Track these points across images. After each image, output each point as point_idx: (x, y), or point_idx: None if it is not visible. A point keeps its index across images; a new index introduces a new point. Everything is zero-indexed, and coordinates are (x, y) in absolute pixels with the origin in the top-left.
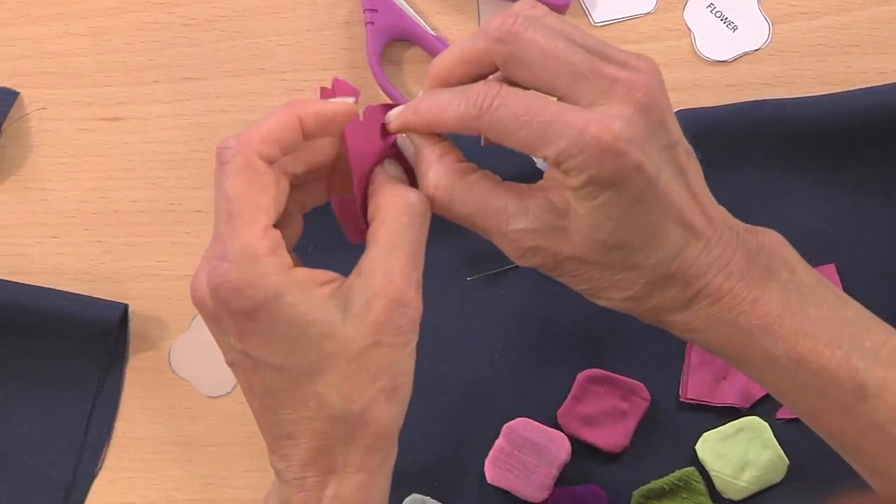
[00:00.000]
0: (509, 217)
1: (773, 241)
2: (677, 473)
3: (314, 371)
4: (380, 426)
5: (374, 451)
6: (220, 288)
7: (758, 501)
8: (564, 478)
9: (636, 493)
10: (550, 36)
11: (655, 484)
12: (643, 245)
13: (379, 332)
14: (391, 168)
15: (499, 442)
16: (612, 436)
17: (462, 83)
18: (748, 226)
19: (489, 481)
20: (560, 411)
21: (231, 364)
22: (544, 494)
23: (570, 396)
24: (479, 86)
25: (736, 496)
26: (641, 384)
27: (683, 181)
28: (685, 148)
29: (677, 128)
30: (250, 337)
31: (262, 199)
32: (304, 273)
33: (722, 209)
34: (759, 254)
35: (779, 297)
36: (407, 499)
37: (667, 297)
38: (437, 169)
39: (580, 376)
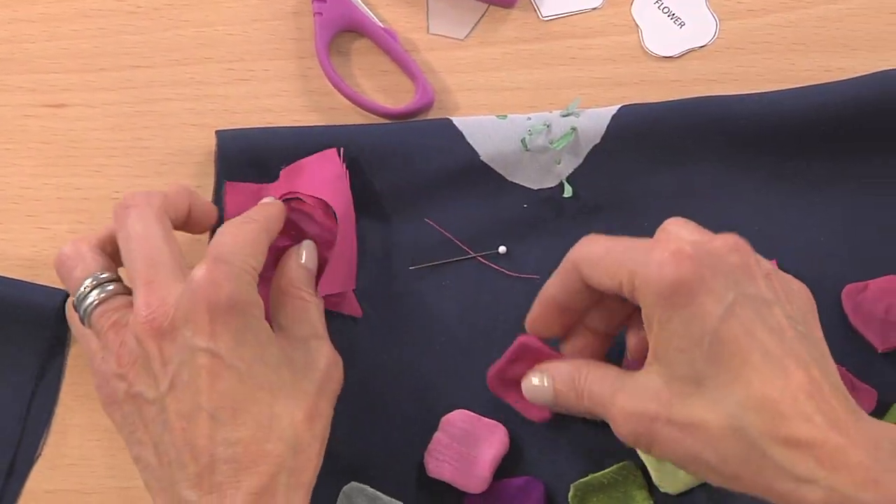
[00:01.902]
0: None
1: (894, 432)
2: (616, 467)
3: (273, 391)
4: (318, 466)
5: (309, 491)
6: (210, 274)
7: (695, 496)
8: (503, 470)
9: (574, 487)
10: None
11: (594, 477)
12: (724, 383)
13: (327, 381)
14: (308, 255)
15: (437, 435)
16: (534, 406)
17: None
18: (876, 420)
19: (428, 474)
20: (490, 372)
21: (178, 372)
22: (483, 486)
23: (504, 358)
24: None
25: (674, 490)
26: None
27: (779, 339)
28: (788, 315)
29: (773, 290)
30: (221, 334)
31: (260, 248)
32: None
33: (853, 404)
34: (882, 440)
35: None
36: (345, 487)
37: (772, 459)
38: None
39: (520, 340)
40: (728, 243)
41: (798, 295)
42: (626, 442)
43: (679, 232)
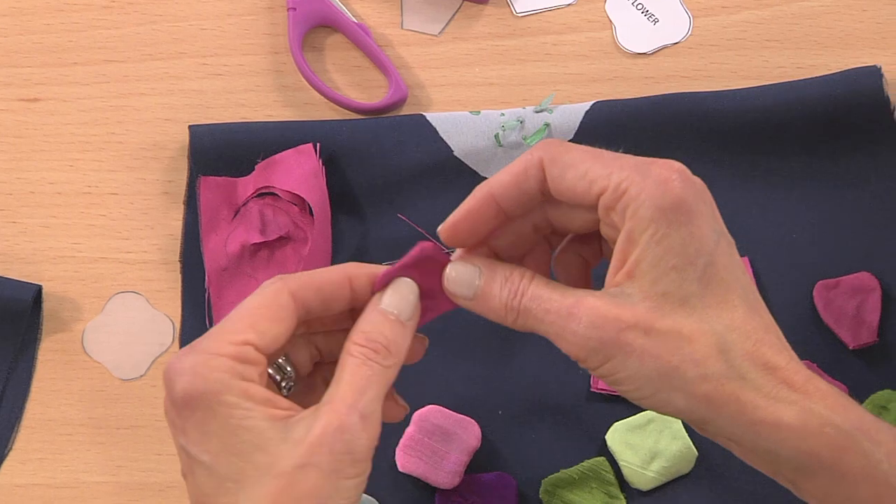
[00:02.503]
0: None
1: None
2: (586, 463)
3: (240, 480)
4: None
5: None
6: (169, 369)
7: (666, 492)
8: (475, 465)
9: (545, 482)
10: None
11: (564, 473)
12: (711, 305)
13: (311, 454)
14: (391, 299)
15: (409, 429)
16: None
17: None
18: None
19: (400, 469)
20: (380, 274)
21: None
22: (455, 481)
23: (398, 264)
24: None
25: (644, 486)
26: None
27: (749, 281)
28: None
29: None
30: (188, 430)
31: (263, 324)
32: (262, 391)
33: None
34: (832, 386)
35: (867, 412)
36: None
37: (750, 382)
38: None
39: (420, 246)
40: (703, 183)
41: None
42: (579, 352)
43: (672, 161)
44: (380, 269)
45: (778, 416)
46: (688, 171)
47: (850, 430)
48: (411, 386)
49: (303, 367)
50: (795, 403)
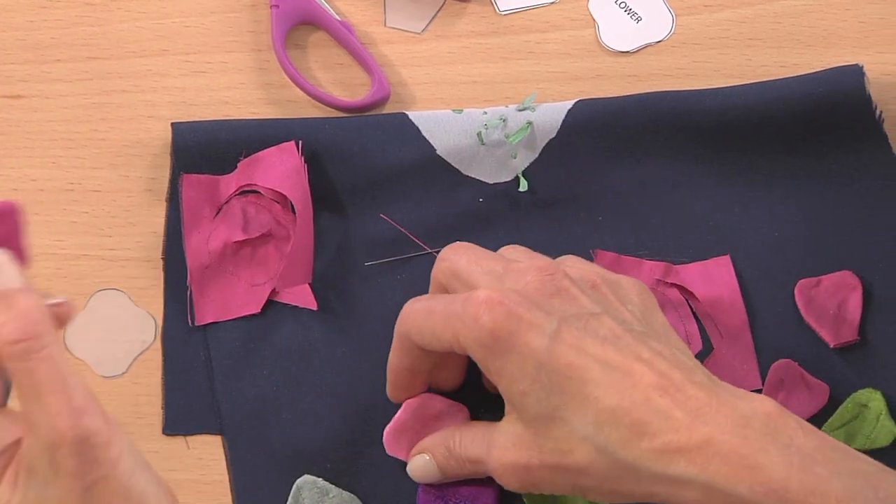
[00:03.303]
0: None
1: (768, 407)
2: None
3: None
4: None
5: None
6: None
7: None
8: None
9: (526, 498)
10: (481, 251)
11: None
12: (574, 408)
13: (81, 479)
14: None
15: (399, 414)
16: None
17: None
18: (742, 391)
19: (388, 452)
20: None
21: None
22: None
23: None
24: None
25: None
26: None
27: (614, 347)
28: (620, 320)
29: (601, 302)
30: None
31: None
32: None
33: (714, 381)
34: (751, 418)
35: (781, 461)
36: (298, 480)
37: (644, 470)
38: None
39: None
40: (539, 274)
41: (632, 293)
42: (514, 490)
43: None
44: None
45: (683, 499)
46: (492, 296)
47: (755, 499)
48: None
49: None
50: (693, 482)
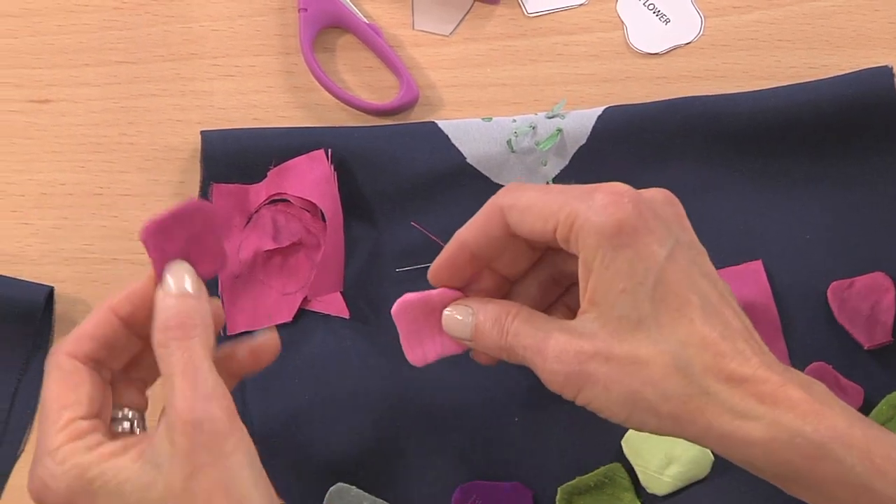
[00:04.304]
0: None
1: (821, 384)
2: (602, 469)
3: None
4: None
5: None
6: (32, 489)
7: (682, 497)
8: (491, 472)
9: (562, 490)
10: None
11: (581, 480)
12: (665, 323)
13: (190, 460)
14: (174, 280)
15: (428, 294)
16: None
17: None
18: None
19: (392, 312)
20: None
21: None
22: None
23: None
24: None
25: (660, 491)
26: None
27: (713, 287)
28: (711, 267)
29: (697, 241)
30: None
31: (69, 396)
32: (110, 446)
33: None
34: (814, 384)
35: (843, 415)
36: (332, 488)
37: (714, 397)
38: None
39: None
40: (663, 194)
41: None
42: (553, 386)
43: (615, 185)
44: (135, 286)
45: (746, 432)
46: (631, 192)
47: (821, 440)
48: (427, 391)
49: (139, 401)
50: (763, 418)
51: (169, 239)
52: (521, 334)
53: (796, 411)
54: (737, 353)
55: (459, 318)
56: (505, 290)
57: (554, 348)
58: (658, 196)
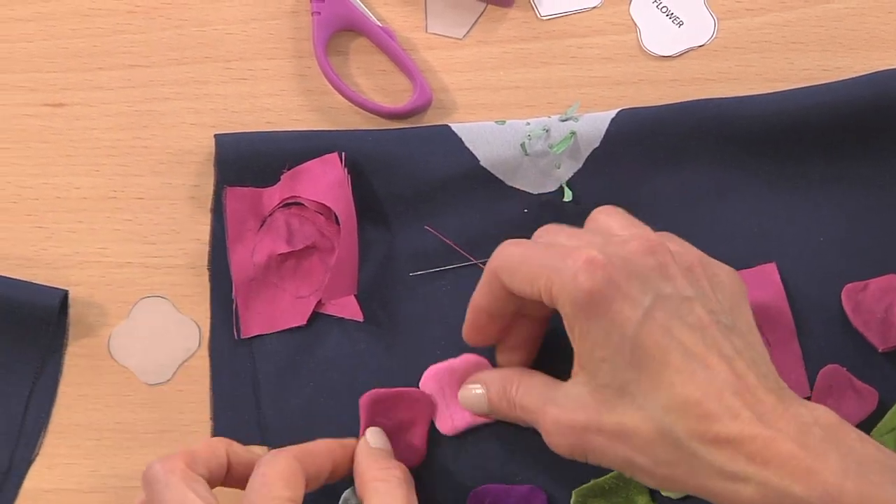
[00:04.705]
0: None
1: (830, 418)
2: (617, 472)
3: None
4: None
5: None
6: None
7: (697, 500)
8: (505, 475)
9: (576, 493)
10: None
11: (595, 483)
12: (647, 389)
13: None
14: (375, 439)
15: (454, 362)
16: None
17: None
18: (807, 402)
19: (420, 385)
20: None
21: None
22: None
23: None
24: None
25: (675, 494)
26: None
27: (700, 337)
28: (710, 310)
29: (695, 285)
30: None
31: (294, 481)
32: None
33: (783, 388)
34: (812, 426)
35: (838, 467)
36: (345, 492)
37: (702, 460)
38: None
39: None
40: (643, 245)
41: (725, 283)
42: (561, 453)
43: (598, 230)
44: (351, 443)
45: (736, 493)
46: (603, 255)
47: (811, 499)
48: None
49: None
50: (752, 478)
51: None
52: (525, 406)
53: (786, 469)
54: (724, 410)
55: (475, 394)
56: (541, 330)
57: (552, 422)
58: (635, 248)
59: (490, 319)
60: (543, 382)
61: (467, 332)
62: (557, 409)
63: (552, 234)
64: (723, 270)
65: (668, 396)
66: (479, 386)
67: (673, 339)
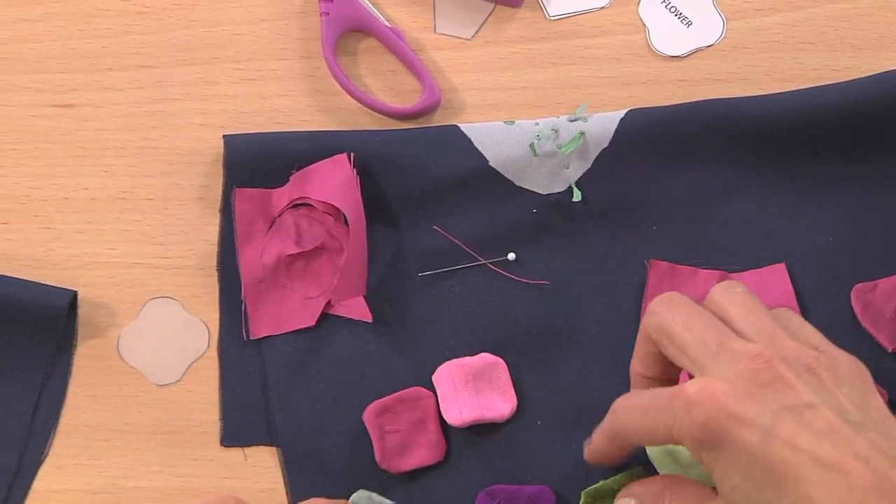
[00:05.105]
0: None
1: None
2: (626, 473)
3: None
4: None
5: None
6: None
7: None
8: (514, 476)
9: (585, 493)
10: (695, 311)
11: (604, 484)
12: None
13: None
14: None
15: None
16: None
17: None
18: None
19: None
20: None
21: None
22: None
23: None
24: None
25: None
26: None
27: (830, 443)
28: (837, 409)
29: (816, 388)
30: None
31: None
32: None
33: None
34: None
35: None
36: (353, 496)
37: None
38: None
39: None
40: (755, 363)
41: (848, 372)
42: None
43: (716, 314)
44: None
45: None
46: (703, 389)
47: None
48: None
49: None
50: None
51: (389, 421)
52: None
53: None
54: (865, 490)
55: None
56: None
57: None
58: (747, 368)
59: (614, 461)
60: (694, 497)
61: (595, 461)
62: None
63: (670, 315)
64: (843, 360)
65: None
66: (632, 499)
67: (801, 452)
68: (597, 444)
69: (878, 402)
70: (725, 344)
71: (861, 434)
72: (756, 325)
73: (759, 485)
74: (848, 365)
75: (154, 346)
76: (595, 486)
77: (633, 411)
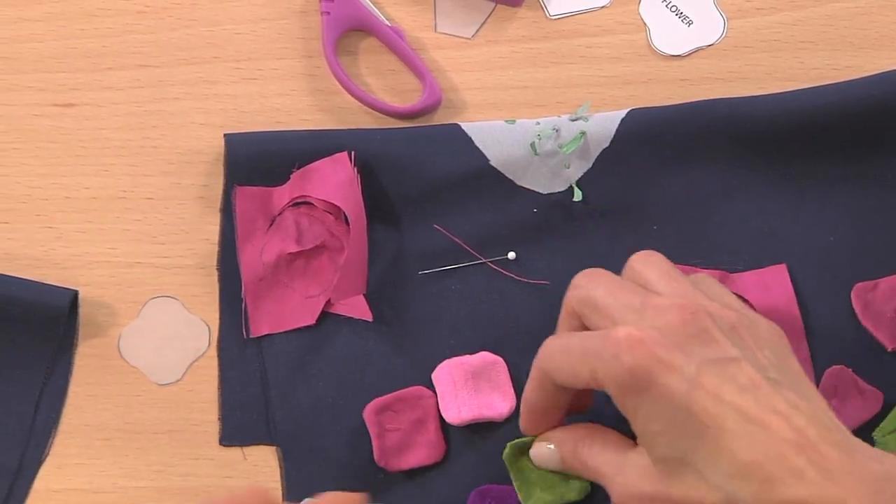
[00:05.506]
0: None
1: None
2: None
3: None
4: None
5: None
6: None
7: None
8: (507, 476)
9: (510, 445)
10: (617, 279)
11: (531, 438)
12: (706, 456)
13: None
14: None
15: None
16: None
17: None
18: (878, 452)
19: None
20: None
21: None
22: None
23: None
24: None
25: None
26: None
27: (752, 397)
28: (759, 367)
29: (739, 345)
30: None
31: None
32: None
33: (850, 440)
34: (886, 482)
35: None
36: None
37: None
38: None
39: None
40: (681, 314)
41: (767, 337)
42: None
43: (635, 282)
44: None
45: None
46: (634, 334)
47: None
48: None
49: None
50: None
51: (389, 420)
52: (595, 469)
53: None
54: (787, 471)
55: (547, 450)
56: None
57: (620, 490)
58: (674, 318)
59: (545, 415)
60: (614, 447)
61: (526, 427)
62: (627, 480)
63: (592, 285)
64: (763, 323)
65: (728, 463)
66: (550, 444)
67: (725, 404)
68: (526, 393)
69: (796, 365)
70: (649, 301)
71: (780, 392)
72: (677, 288)
73: (682, 432)
74: (768, 328)
75: (155, 346)
76: (522, 438)
77: (559, 352)
